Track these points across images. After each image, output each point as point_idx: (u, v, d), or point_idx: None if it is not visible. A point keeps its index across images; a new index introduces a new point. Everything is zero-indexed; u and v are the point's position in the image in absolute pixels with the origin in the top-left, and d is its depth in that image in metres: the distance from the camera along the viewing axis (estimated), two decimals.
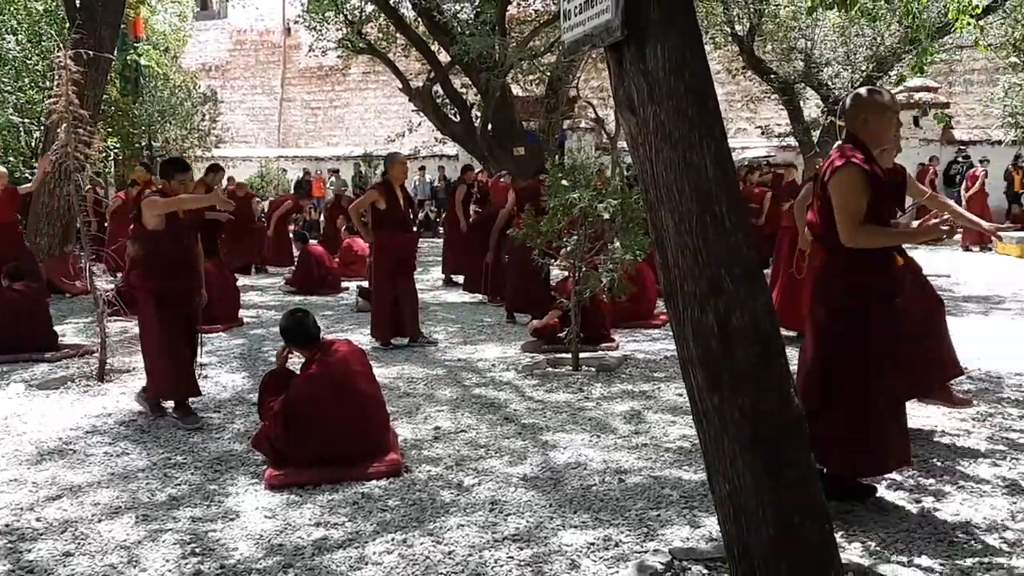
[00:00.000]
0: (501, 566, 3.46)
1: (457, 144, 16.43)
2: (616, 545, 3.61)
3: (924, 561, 3.38)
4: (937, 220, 3.87)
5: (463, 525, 3.87)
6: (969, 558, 3.40)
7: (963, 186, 16.66)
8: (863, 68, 14.07)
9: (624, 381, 6.42)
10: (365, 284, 10.64)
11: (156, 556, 3.64)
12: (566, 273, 6.99)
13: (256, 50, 30.23)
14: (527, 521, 3.90)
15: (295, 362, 4.99)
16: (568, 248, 6.82)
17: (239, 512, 4.09)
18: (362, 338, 8.03)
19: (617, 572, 3.31)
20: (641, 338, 8.07)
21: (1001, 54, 8.72)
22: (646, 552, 3.49)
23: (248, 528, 3.91)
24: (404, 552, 3.61)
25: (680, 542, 3.58)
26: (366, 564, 3.52)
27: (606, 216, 6.52)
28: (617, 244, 7.00)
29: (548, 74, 13.91)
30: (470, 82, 13.99)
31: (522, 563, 3.48)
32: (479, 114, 13.73)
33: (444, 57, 13.78)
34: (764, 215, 11.97)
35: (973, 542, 3.55)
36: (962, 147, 20.25)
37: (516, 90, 15.47)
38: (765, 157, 15.93)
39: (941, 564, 3.35)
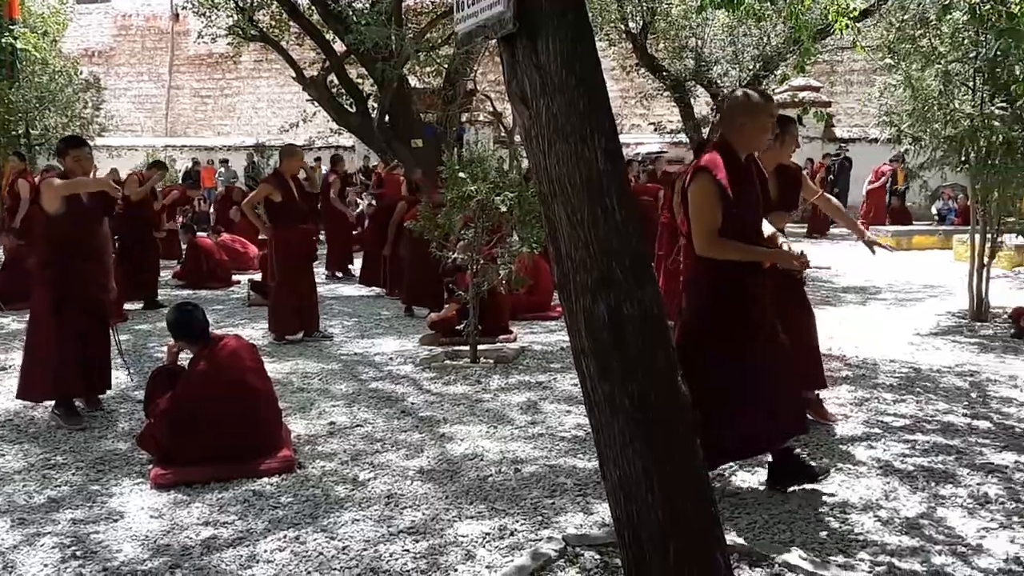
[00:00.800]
0: (396, 559, 3.45)
1: (353, 135, 16.20)
2: (511, 534, 3.64)
3: (803, 540, 3.53)
4: (792, 254, 3.88)
5: (358, 520, 3.83)
6: (846, 536, 3.58)
7: (867, 180, 18.03)
8: (750, 67, 14.52)
9: (521, 372, 6.48)
10: (258, 278, 10.41)
11: (34, 561, 3.48)
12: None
13: (142, 36, 29.08)
14: (423, 514, 3.89)
15: (185, 358, 4.84)
16: (466, 241, 6.83)
17: (123, 513, 3.94)
18: (254, 332, 7.86)
19: (512, 561, 3.34)
20: (538, 329, 8.15)
21: (877, 56, 9.17)
22: (540, 540, 3.53)
23: (133, 529, 3.77)
24: (297, 549, 3.55)
25: (574, 529, 3.64)
26: (257, 562, 3.45)
27: (503, 209, 6.55)
28: (515, 237, 7.05)
29: (446, 66, 13.85)
30: (366, 72, 13.79)
31: (417, 555, 3.47)
32: (376, 105, 13.55)
33: (339, 46, 13.55)
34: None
35: (850, 521, 3.73)
36: (843, 145, 21.20)
37: (413, 82, 15.34)
38: (658, 153, 16.24)
39: (820, 543, 3.51)
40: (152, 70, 28.54)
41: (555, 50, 2.69)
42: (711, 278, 3.79)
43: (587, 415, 2.91)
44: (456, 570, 3.34)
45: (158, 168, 10.71)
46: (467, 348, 6.81)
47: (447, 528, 3.73)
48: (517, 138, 14.05)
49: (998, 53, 7.21)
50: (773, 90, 18.27)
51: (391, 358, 7.05)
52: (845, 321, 8.30)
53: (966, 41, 7.65)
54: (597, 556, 3.26)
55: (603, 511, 3.75)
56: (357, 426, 5.21)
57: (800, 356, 4.52)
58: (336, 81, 13.86)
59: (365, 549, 3.54)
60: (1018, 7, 6.55)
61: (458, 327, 7.28)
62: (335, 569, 3.38)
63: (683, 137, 16.49)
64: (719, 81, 15.35)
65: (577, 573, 3.16)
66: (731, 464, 4.28)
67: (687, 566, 2.70)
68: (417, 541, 3.61)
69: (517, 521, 3.78)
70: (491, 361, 6.73)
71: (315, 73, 13.88)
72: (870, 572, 3.22)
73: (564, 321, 2.94)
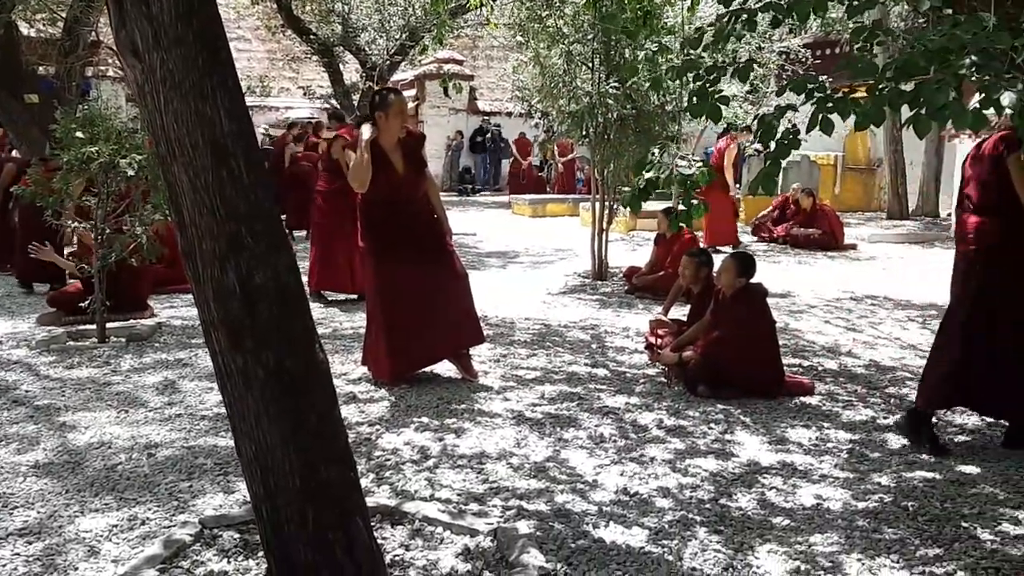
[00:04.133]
0: (4, 565, 3.05)
1: None
2: (143, 523, 3.39)
3: (444, 493, 3.70)
4: None
5: None
6: (482, 485, 3.79)
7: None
8: (397, 37, 14.75)
9: (158, 350, 6.05)
10: None
11: None
12: None
13: None
14: (38, 512, 3.49)
15: None
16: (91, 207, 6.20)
17: None
18: None
19: (143, 551, 3.11)
20: (179, 303, 7.66)
21: (510, 33, 9.74)
22: (175, 526, 3.32)
23: None
24: None
25: (213, 511, 3.48)
26: None
27: (131, 173, 6.02)
28: (151, 205, 6.52)
29: (63, 15, 12.43)
30: None
31: (31, 558, 3.11)
32: None
33: None
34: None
35: (486, 470, 3.96)
36: (486, 117, 22.36)
37: (26, 29, 13.59)
38: (308, 118, 15.94)
39: (459, 494, 3.69)
40: None
41: (169, 1, 2.49)
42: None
43: (219, 390, 2.77)
44: (77, 568, 3.04)
45: None
46: (94, 327, 6.21)
47: (67, 525, 3.37)
48: None
49: (611, 38, 7.98)
50: (420, 61, 18.79)
51: (1, 341, 6.23)
52: (489, 283, 8.79)
53: (585, 24, 8.36)
54: (237, 535, 3.13)
55: (245, 489, 3.61)
56: None
57: (455, 314, 5.26)
58: None
59: None
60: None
61: (82, 304, 6.59)
62: None
63: (335, 103, 16.34)
64: (367, 48, 15.41)
65: (215, 555, 3.02)
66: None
67: (327, 531, 2.69)
68: (31, 543, 3.23)
69: (150, 509, 3.52)
70: (123, 340, 6.20)
71: None
72: (502, 516, 3.45)
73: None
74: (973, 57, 2.69)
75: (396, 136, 5.15)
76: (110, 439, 4.33)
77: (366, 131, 5.07)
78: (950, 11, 3.41)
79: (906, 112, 2.85)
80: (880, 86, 2.96)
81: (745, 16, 3.63)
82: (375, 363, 5.32)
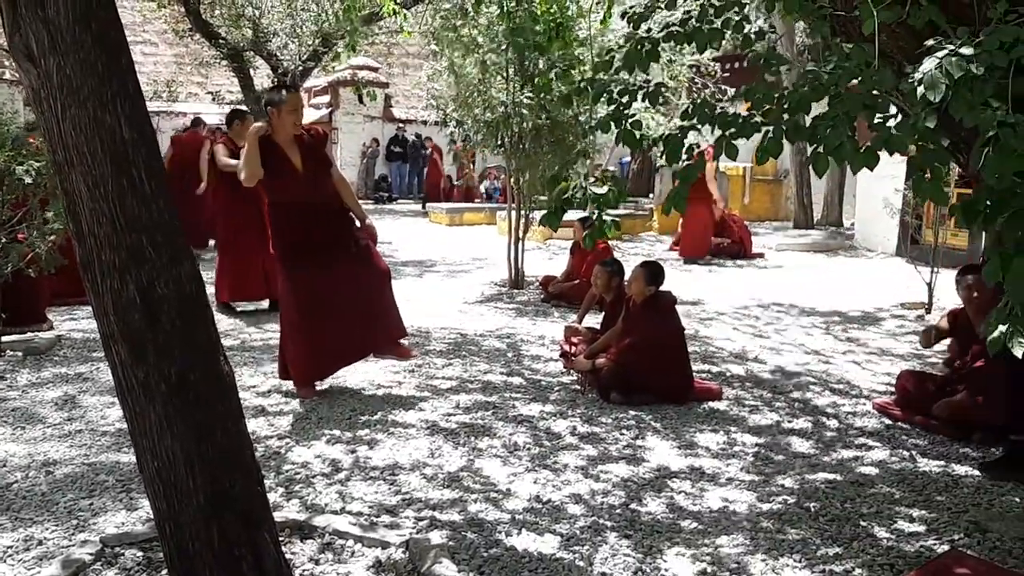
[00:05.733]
0: None
1: None
2: (39, 543, 3.26)
3: (356, 506, 3.66)
4: None
5: None
6: (395, 496, 3.77)
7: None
8: (309, 42, 14.54)
9: (57, 364, 5.82)
10: None
11: None
12: None
13: None
14: None
15: None
16: None
17: None
18: None
19: (39, 572, 2.99)
20: (80, 315, 7.39)
21: (424, 42, 9.74)
22: (74, 545, 3.21)
23: None
24: None
25: (115, 529, 3.37)
26: None
27: (28, 180, 5.79)
28: (51, 213, 6.27)
29: None
30: None
31: None
32: None
33: None
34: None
35: (399, 482, 3.94)
36: (401, 125, 22.26)
37: None
38: (217, 125, 15.58)
39: (371, 507, 3.66)
40: None
41: (65, 4, 2.42)
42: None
43: (120, 405, 2.69)
44: None
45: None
46: None
47: None
48: None
49: (524, 51, 8.06)
50: (333, 68, 18.59)
51: None
52: (405, 293, 8.72)
53: (500, 34, 8.42)
54: (140, 553, 3.04)
55: (148, 506, 3.52)
56: None
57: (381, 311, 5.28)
58: None
59: None
60: (539, 8, 7.38)
61: None
62: None
63: (244, 108, 16.02)
64: (279, 54, 15.15)
65: (116, 574, 2.92)
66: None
67: (233, 547, 2.63)
68: None
69: (48, 529, 3.39)
70: (19, 354, 5.95)
71: None
72: (414, 528, 3.43)
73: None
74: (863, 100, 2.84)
75: (290, 132, 5.04)
76: (5, 457, 4.15)
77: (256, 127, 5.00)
78: (838, 40, 3.58)
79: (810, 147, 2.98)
80: (780, 115, 3.09)
81: (649, 46, 3.72)
82: (293, 368, 5.21)
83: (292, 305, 5.14)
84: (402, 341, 5.48)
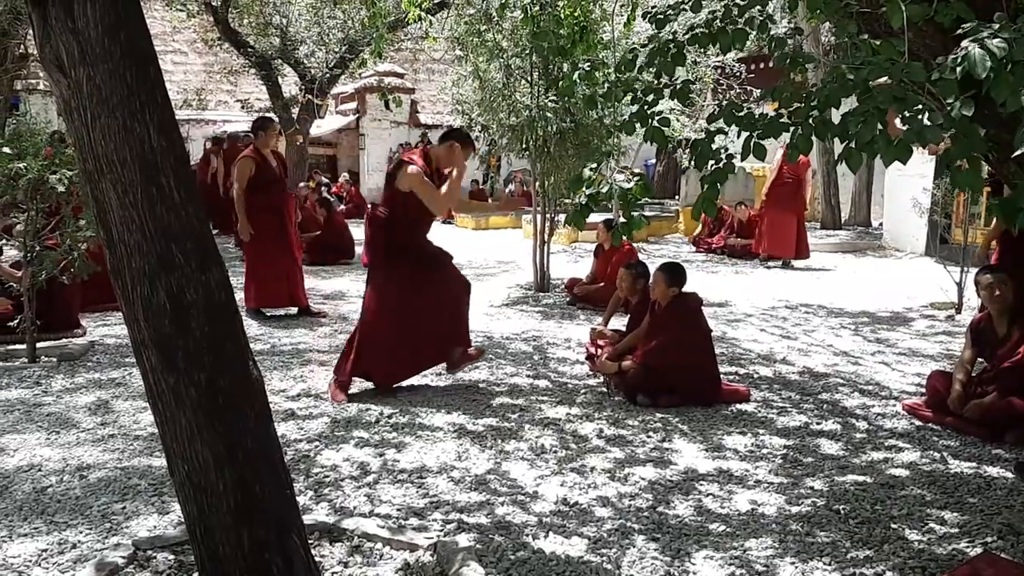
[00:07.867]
0: None
1: None
2: (74, 547, 3.31)
3: (384, 509, 3.68)
4: None
5: None
6: (422, 499, 3.79)
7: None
8: (336, 50, 14.66)
9: (91, 370, 5.91)
10: None
11: None
12: None
13: None
14: None
15: None
16: (20, 226, 6.05)
17: None
18: None
19: (74, 575, 3.04)
20: (112, 321, 7.48)
21: (449, 47, 9.78)
22: (107, 548, 3.25)
23: None
24: None
25: (147, 532, 3.41)
26: None
27: (61, 189, 5.88)
28: (83, 221, 6.37)
29: None
30: None
31: None
32: None
33: None
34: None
35: (426, 484, 3.96)
36: (426, 131, 22.33)
37: None
38: (247, 132, 15.72)
39: (399, 509, 3.68)
40: None
41: (94, 15, 2.46)
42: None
43: (151, 410, 2.73)
44: None
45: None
46: (23, 347, 6.04)
47: None
48: None
49: (547, 55, 8.07)
50: (360, 74, 18.71)
51: None
52: None
53: (524, 38, 8.44)
54: (171, 556, 3.08)
55: (180, 510, 3.56)
56: None
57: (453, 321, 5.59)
58: None
59: None
60: (563, 12, 7.38)
61: (12, 324, 6.41)
62: None
63: (273, 116, 16.17)
64: (306, 61, 15.29)
65: None
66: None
67: (263, 551, 2.66)
68: None
69: (81, 532, 3.44)
70: (53, 360, 6.05)
71: None
72: (442, 530, 3.45)
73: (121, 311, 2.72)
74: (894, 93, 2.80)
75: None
76: (40, 461, 4.22)
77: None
78: (865, 37, 3.54)
79: (839, 144, 2.94)
80: (809, 113, 3.07)
81: (675, 49, 3.71)
82: (375, 372, 5.41)
83: (384, 314, 5.33)
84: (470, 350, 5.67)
